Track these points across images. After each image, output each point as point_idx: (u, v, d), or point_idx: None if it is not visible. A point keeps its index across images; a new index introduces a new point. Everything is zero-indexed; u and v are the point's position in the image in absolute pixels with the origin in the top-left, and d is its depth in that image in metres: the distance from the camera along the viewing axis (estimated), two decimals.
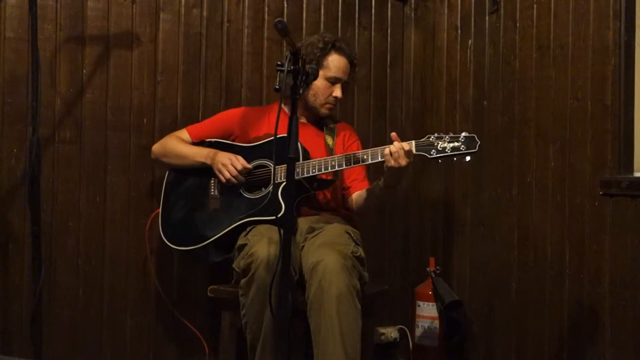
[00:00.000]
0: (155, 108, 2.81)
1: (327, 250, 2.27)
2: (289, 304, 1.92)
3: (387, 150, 2.32)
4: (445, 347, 2.98)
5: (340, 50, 2.65)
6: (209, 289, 2.48)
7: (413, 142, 2.34)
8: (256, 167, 2.54)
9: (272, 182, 2.47)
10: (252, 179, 2.54)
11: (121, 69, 2.76)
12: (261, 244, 2.27)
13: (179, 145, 2.64)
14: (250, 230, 2.43)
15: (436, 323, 2.96)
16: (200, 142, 2.66)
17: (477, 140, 2.30)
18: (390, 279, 3.26)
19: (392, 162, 2.31)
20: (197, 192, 2.60)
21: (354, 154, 2.42)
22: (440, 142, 2.32)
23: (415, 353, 3.06)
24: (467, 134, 2.32)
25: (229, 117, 2.71)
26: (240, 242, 2.41)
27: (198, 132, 2.67)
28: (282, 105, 2.16)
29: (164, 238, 2.56)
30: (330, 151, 2.63)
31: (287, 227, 1.91)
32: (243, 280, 2.27)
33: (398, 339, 3.25)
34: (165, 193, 2.65)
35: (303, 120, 2.71)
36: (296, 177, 2.29)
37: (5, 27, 2.57)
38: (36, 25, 2.31)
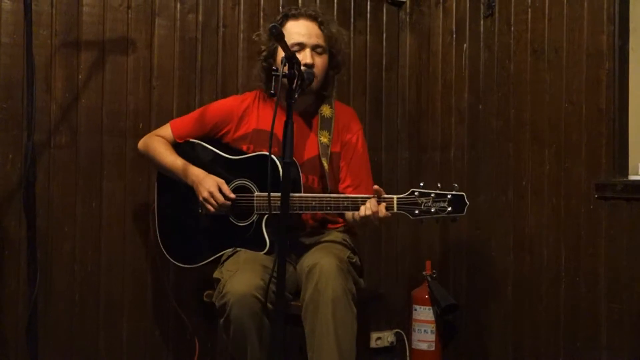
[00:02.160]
0: (150, 113, 2.80)
1: (323, 254, 2.26)
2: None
3: (362, 208, 2.21)
4: (442, 351, 2.99)
5: (294, 16, 2.44)
6: (205, 294, 2.47)
7: (395, 198, 2.22)
8: (239, 189, 2.39)
9: (254, 212, 2.34)
10: (235, 205, 2.38)
11: (117, 74, 2.75)
12: (233, 280, 2.17)
13: (161, 154, 2.49)
14: (229, 257, 2.35)
15: (433, 327, 2.96)
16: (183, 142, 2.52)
17: (466, 201, 2.17)
18: (387, 282, 3.26)
19: (365, 218, 2.21)
20: (187, 201, 2.47)
21: (335, 199, 2.28)
22: (425, 200, 2.20)
23: (412, 357, 3.06)
24: (456, 192, 2.19)
25: (216, 115, 2.53)
26: (215, 274, 2.34)
27: (182, 132, 2.53)
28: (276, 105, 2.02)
29: (161, 246, 2.54)
30: (325, 150, 2.46)
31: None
32: (221, 321, 2.20)
33: (395, 343, 3.25)
34: (159, 187, 2.57)
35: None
36: (274, 212, 2.21)
37: (1, 33, 2.56)
38: (31, 30, 2.30)
